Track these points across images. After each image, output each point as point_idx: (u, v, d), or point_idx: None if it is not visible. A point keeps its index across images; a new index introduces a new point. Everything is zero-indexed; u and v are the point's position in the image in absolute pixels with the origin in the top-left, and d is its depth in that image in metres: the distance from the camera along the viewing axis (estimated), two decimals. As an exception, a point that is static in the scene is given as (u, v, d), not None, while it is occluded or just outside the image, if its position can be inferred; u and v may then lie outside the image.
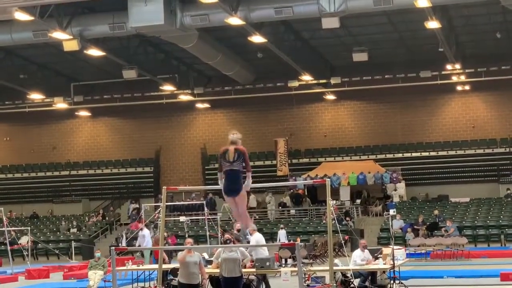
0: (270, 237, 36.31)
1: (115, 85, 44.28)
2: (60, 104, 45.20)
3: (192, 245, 18.20)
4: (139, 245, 28.42)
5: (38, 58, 41.60)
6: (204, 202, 37.15)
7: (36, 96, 44.72)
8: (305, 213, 42.86)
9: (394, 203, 41.48)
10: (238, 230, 24.28)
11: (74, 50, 32.21)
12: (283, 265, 25.17)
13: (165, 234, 26.16)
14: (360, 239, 20.84)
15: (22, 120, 49.40)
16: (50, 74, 44.22)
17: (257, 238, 19.87)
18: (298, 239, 31.83)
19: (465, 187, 43.28)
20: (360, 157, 46.12)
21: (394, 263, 19.44)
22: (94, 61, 39.52)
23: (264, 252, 19.19)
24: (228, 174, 12.45)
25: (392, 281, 19.84)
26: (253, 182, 13.33)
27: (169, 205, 37.34)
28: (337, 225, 19.81)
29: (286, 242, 31.69)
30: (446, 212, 39.97)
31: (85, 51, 34.11)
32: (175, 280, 18.67)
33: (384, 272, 20.10)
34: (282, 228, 35.18)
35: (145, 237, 28.71)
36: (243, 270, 17.58)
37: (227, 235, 19.28)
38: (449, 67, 40.15)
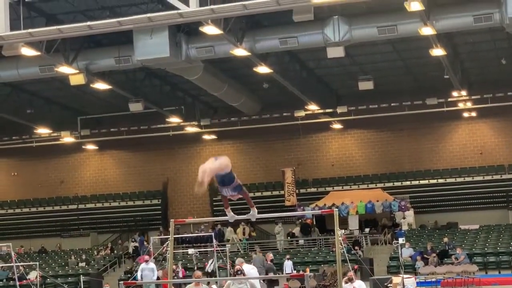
0: (280, 267, 36.14)
1: (122, 118, 44.35)
2: (67, 138, 45.30)
3: (201, 277, 18.10)
4: (141, 279, 27.92)
5: (45, 92, 41.74)
6: (213, 233, 37.02)
7: (43, 131, 44.81)
8: (314, 243, 42.69)
9: (403, 231, 41.26)
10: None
11: (80, 84, 32.35)
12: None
13: (174, 266, 26.05)
14: (348, 271, 20.63)
15: (30, 154, 49.47)
16: (56, 108, 44.36)
17: (245, 270, 19.56)
18: (307, 270, 31.68)
19: (474, 214, 43.07)
20: (368, 186, 45.99)
21: (404, 292, 19.31)
22: (101, 94, 39.65)
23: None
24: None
25: (403, 311, 19.69)
26: (261, 213, 13.29)
27: (177, 237, 37.28)
28: (346, 255, 19.70)
29: (292, 273, 31.54)
30: (455, 239, 39.76)
31: (91, 85, 34.23)
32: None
33: (394, 301, 19.96)
34: (288, 259, 35.04)
35: (154, 271, 28.32)
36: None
37: (237, 267, 19.14)
38: (455, 94, 40.15)
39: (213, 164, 12.00)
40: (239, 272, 18.89)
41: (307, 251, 41.38)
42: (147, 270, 28.12)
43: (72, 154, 50.69)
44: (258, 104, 43.97)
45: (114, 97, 40.49)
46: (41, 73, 32.22)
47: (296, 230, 43.70)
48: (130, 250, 44.50)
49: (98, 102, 42.91)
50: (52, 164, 51.27)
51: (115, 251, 45.67)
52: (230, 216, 13.08)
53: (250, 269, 19.87)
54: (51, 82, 38.55)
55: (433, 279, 31.98)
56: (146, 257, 29.82)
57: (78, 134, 44.99)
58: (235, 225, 42.97)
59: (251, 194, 47.54)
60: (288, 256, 35.87)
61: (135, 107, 38.14)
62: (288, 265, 34.44)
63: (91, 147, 49.45)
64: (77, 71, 31.20)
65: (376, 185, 45.72)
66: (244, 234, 43.85)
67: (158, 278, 28.42)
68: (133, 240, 45.61)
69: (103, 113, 44.77)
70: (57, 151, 49.35)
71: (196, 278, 17.30)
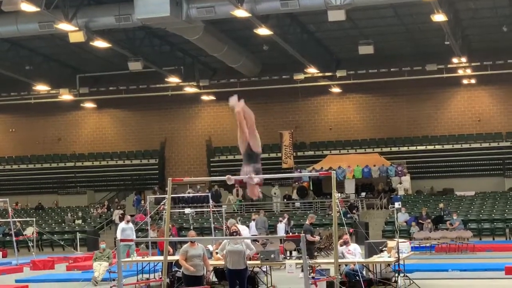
0: (275, 229, 36.29)
1: (121, 77, 44.31)
2: (66, 96, 45.24)
3: (195, 237, 18.20)
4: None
5: (44, 49, 41.63)
6: (209, 194, 37.10)
7: (41, 88, 44.73)
8: (310, 205, 42.84)
9: (399, 196, 41.45)
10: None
11: (79, 41, 32.27)
12: (288, 258, 25.21)
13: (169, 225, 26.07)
14: (344, 234, 20.74)
15: (28, 111, 49.48)
16: (55, 65, 44.27)
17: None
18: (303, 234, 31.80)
19: (471, 181, 43.21)
20: (365, 150, 46.06)
21: (399, 256, 19.41)
22: (100, 52, 39.56)
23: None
24: None
25: (396, 274, 19.82)
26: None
27: (173, 197, 37.38)
28: (342, 218, 19.79)
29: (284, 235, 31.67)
30: (451, 205, 39.93)
31: (90, 43, 34.12)
32: (179, 271, 18.70)
33: (389, 265, 20.09)
34: (280, 222, 35.15)
35: (125, 231, 27.73)
36: (248, 262, 17.61)
37: (233, 227, 19.28)
38: (455, 60, 40.05)
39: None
40: (234, 233, 19.02)
41: (303, 213, 41.49)
42: (129, 229, 27.68)
43: (70, 112, 50.67)
44: (257, 66, 43.91)
45: (113, 56, 40.41)
46: (41, 29, 32.10)
47: (295, 196, 43.80)
48: (116, 219, 42.19)
49: (97, 60, 42.83)
50: (50, 121, 51.28)
51: (112, 209, 45.78)
52: (229, 179, 13.12)
53: (242, 230, 20.16)
54: (51, 39, 38.43)
55: (428, 244, 32.15)
56: (127, 216, 29.51)
57: (77, 92, 44.95)
58: (230, 186, 43.13)
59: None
60: (280, 219, 35.97)
61: (134, 66, 38.03)
62: (281, 228, 34.55)
63: (89, 105, 49.40)
64: (77, 28, 31.09)
65: (373, 150, 45.82)
66: (237, 195, 44.01)
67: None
68: (118, 207, 44.91)
69: (102, 71, 44.70)
70: (55, 108, 49.35)
71: (190, 237, 17.40)
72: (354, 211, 37.91)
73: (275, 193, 44.17)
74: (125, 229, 27.51)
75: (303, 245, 12.65)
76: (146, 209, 32.92)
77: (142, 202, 43.69)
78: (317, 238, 24.30)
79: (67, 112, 50.59)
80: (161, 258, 20.03)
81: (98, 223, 43.42)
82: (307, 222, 25.42)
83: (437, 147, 45.18)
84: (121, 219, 41.93)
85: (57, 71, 44.53)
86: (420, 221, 35.45)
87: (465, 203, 40.64)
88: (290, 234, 29.94)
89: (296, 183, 44.21)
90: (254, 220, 34.45)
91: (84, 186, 50.05)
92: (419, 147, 45.49)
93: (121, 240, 13.51)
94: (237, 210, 42.85)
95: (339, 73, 41.93)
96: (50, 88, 44.97)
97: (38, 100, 46.61)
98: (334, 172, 16.75)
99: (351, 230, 32.18)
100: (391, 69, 42.07)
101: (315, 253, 28.41)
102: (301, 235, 12.84)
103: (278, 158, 46.09)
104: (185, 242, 17.67)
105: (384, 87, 44.07)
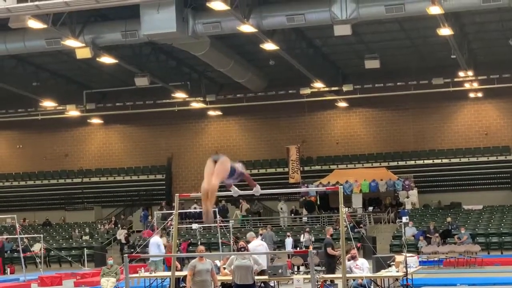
0: (282, 244, 36.28)
1: (127, 92, 44.41)
2: (73, 112, 45.33)
3: (204, 252, 18.16)
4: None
5: (51, 65, 41.73)
6: (217, 209, 37.07)
7: (48, 104, 44.84)
8: (317, 220, 42.79)
9: (406, 210, 41.37)
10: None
11: (86, 57, 32.37)
12: (296, 273, 25.16)
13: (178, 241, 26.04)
14: (352, 248, 20.66)
15: (35, 127, 49.56)
16: (62, 81, 44.38)
17: (253, 246, 19.80)
18: (310, 247, 31.75)
19: (478, 195, 43.13)
20: (372, 165, 46.02)
21: (407, 271, 19.37)
22: (107, 68, 39.66)
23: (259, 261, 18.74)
24: None
25: (405, 289, 19.78)
26: (265, 189, 13.31)
27: (181, 212, 37.35)
28: (350, 233, 19.75)
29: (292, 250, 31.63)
30: (459, 219, 39.83)
31: (97, 59, 34.23)
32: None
33: (397, 279, 20.03)
34: (288, 236, 35.18)
35: (160, 247, 27.72)
36: (256, 277, 17.57)
37: (241, 243, 19.23)
38: (461, 74, 40.03)
39: (216, 176, 11.96)
40: (242, 249, 18.99)
41: (310, 228, 41.44)
42: (155, 245, 27.59)
43: (77, 128, 50.78)
44: (264, 81, 43.95)
45: (120, 72, 40.49)
46: (48, 46, 32.21)
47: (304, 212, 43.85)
48: (122, 238, 41.87)
49: (104, 76, 42.93)
50: (57, 137, 51.39)
51: (119, 225, 45.77)
52: (234, 191, 13.08)
53: (257, 245, 19.98)
54: (57, 55, 38.55)
55: (436, 259, 32.07)
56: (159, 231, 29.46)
57: (84, 107, 45.00)
58: (237, 201, 43.13)
59: (255, 171, 47.92)
60: (288, 233, 35.96)
61: (141, 81, 38.12)
62: (288, 243, 34.55)
63: (96, 121, 49.50)
64: (84, 44, 31.19)
65: (380, 164, 45.77)
66: (241, 210, 44.00)
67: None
68: (123, 227, 44.14)
69: (109, 87, 44.80)
70: (62, 124, 49.45)
71: (199, 252, 17.36)
72: (361, 226, 37.84)
73: (281, 208, 44.15)
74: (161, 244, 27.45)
75: (311, 259, 12.64)
76: (153, 225, 32.94)
77: (149, 217, 43.71)
78: (338, 251, 24.29)
79: (74, 128, 50.69)
80: (169, 273, 20.01)
81: (106, 239, 43.40)
82: (327, 235, 25.27)
83: (444, 161, 45.12)
84: (127, 239, 41.98)
85: (64, 87, 44.62)
86: (428, 235, 35.39)
87: (473, 217, 40.54)
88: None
89: (303, 197, 44.18)
90: (261, 235, 34.42)
91: (91, 202, 50.09)
92: (426, 161, 45.43)
93: (129, 257, 13.48)
94: (243, 225, 42.80)
95: (345, 88, 41.93)
96: (57, 104, 45.08)
97: (45, 116, 46.67)
98: (341, 187, 16.71)
99: (358, 245, 32.10)
100: (397, 83, 42.08)
101: (324, 268, 28.34)
102: (308, 250, 12.81)
103: (285, 173, 46.04)
104: (193, 258, 17.65)
105: (391, 101, 44.08)
